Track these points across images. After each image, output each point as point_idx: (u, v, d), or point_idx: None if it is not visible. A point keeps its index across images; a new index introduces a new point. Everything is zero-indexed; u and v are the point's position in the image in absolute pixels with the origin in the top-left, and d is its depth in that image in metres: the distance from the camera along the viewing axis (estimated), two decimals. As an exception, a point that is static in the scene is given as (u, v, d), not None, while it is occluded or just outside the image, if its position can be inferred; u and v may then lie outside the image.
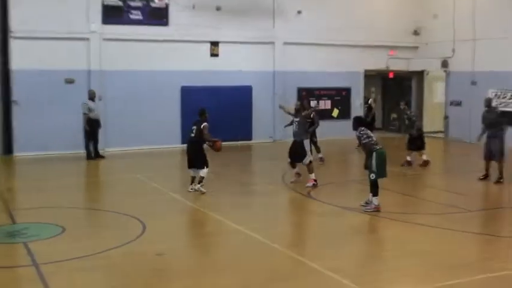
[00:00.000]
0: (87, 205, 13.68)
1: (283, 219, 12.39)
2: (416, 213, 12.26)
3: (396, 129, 26.41)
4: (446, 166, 20.17)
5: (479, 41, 23.72)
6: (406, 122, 18.32)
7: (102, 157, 19.48)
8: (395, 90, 27.42)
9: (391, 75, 26.70)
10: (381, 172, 11.94)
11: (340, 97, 24.97)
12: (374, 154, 11.89)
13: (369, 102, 23.34)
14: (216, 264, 9.24)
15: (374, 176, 11.91)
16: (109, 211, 12.48)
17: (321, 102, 24.53)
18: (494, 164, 15.33)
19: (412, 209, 12.84)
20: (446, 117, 25.52)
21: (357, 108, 24.28)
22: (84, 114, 18.99)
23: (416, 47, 26.59)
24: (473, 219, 11.93)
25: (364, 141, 12.08)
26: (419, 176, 16.96)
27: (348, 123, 23.22)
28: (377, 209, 11.98)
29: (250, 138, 23.29)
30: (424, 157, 17.56)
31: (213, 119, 22.15)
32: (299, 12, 23.83)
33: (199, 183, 13.72)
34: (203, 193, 13.62)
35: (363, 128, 12.24)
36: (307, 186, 14.45)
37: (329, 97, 24.76)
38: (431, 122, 26.25)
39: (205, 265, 9.16)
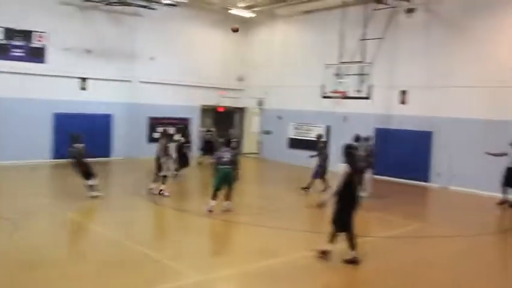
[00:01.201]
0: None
1: (134, 220, 12.16)
2: (238, 214, 12.69)
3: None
4: (258, 178, 20.96)
5: (284, 88, 25.05)
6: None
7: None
8: (225, 121, 28.06)
9: (221, 110, 27.32)
10: (218, 184, 12.39)
11: (183, 125, 25.02)
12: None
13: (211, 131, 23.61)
14: (74, 256, 9.00)
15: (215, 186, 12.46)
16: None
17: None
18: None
19: (235, 211, 13.38)
20: (259, 142, 26.58)
21: (195, 134, 24.52)
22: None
23: (241, 89, 27.50)
24: (275, 219, 12.34)
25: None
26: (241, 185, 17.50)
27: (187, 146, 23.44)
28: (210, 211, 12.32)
29: (108, 155, 22.84)
30: None
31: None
32: (152, 58, 23.83)
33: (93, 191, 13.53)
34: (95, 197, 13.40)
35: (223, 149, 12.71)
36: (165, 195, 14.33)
37: (173, 125, 24.84)
38: (249, 145, 27.26)
39: (66, 258, 8.91)
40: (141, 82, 23.60)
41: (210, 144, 21.96)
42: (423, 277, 8.65)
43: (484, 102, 17.99)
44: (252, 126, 27.00)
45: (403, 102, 20.34)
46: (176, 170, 17.57)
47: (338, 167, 8.62)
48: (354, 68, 18.76)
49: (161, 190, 14.54)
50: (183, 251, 9.39)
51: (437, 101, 19.25)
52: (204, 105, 25.98)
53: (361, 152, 15.01)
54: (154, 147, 23.40)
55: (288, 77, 24.77)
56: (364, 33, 18.92)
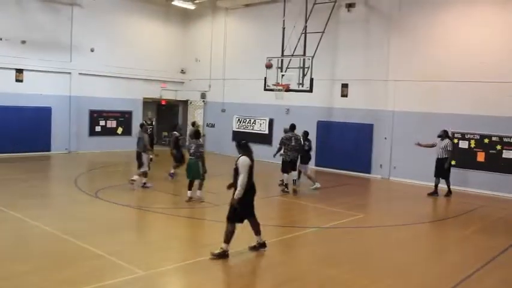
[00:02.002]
0: None
1: (71, 214, 11.76)
2: (179, 208, 12.68)
3: (166, 143, 26.75)
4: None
5: (227, 80, 25.01)
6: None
7: None
8: (167, 114, 27.78)
9: (163, 103, 26.97)
10: (187, 174, 13.26)
11: (124, 118, 24.67)
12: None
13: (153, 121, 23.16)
14: (13, 253, 8.60)
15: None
16: None
17: (109, 122, 24.06)
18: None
19: (178, 205, 13.27)
20: (203, 135, 26.37)
21: (136, 127, 24.00)
22: None
23: (183, 82, 27.23)
24: (218, 212, 12.40)
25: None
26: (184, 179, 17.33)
27: (129, 139, 23.10)
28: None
29: (49, 150, 22.08)
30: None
31: (16, 134, 20.83)
32: (92, 50, 23.19)
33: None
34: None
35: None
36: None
37: (115, 118, 24.36)
38: (193, 138, 27.04)
39: (2, 254, 8.55)
40: (81, 74, 22.94)
41: (149, 138, 21.11)
42: (362, 265, 8.81)
43: (420, 95, 18.52)
44: (196, 119, 26.81)
45: (344, 95, 20.66)
46: (175, 167, 16.88)
47: (239, 160, 8.67)
48: (296, 62, 18.89)
49: (145, 183, 14.82)
50: (125, 246, 9.18)
51: (377, 94, 19.67)
52: (146, 98, 25.56)
53: (293, 143, 15.36)
54: (95, 141, 23.20)
55: (231, 69, 24.72)
56: (305, 27, 19.08)
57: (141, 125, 16.02)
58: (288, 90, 18.86)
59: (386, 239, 10.88)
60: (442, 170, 15.73)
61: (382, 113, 19.53)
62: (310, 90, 18.44)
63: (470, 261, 9.41)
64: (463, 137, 17.40)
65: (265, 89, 19.52)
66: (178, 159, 16.73)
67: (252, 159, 8.76)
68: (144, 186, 14.82)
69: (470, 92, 17.33)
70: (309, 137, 17.02)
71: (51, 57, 21.94)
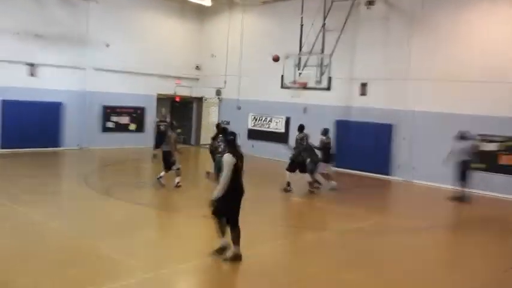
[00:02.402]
0: None
1: (81, 212, 11.76)
2: (197, 207, 12.57)
3: (181, 141, 26.72)
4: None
5: (243, 77, 24.92)
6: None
7: None
8: (181, 111, 27.76)
9: (177, 99, 26.96)
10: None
11: (137, 114, 24.66)
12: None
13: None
14: (18, 251, 8.51)
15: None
16: None
17: (121, 118, 24.05)
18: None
19: (194, 205, 13.18)
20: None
21: (150, 123, 24.05)
22: None
23: (198, 79, 27.19)
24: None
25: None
26: (197, 178, 17.33)
27: (142, 136, 23.02)
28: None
29: (60, 146, 22.14)
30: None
31: (27, 129, 20.95)
32: (107, 45, 23.21)
33: None
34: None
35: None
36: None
37: (128, 114, 24.38)
38: (207, 136, 26.99)
39: (12, 252, 8.47)
40: (96, 69, 22.97)
41: (163, 136, 20.93)
42: (379, 270, 8.65)
43: (442, 95, 18.25)
44: (210, 116, 26.76)
45: (363, 94, 20.47)
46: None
47: (223, 157, 8.35)
48: (314, 60, 18.73)
49: (178, 182, 14.62)
50: (137, 246, 9.12)
51: (397, 93, 19.43)
52: (160, 95, 25.55)
53: (305, 143, 15.31)
54: (107, 137, 23.24)
55: (248, 66, 24.61)
56: (324, 24, 18.90)
57: (171, 124, 16.11)
58: (305, 88, 18.74)
59: (405, 243, 10.69)
60: (462, 173, 15.45)
61: (401, 113, 19.29)
62: (329, 89, 18.29)
63: (490, 268, 9.20)
64: (485, 139, 17.10)
65: (282, 87, 19.41)
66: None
67: (237, 157, 8.34)
68: (177, 185, 14.53)
69: (494, 92, 17.03)
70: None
71: (66, 52, 21.99)
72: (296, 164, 15.41)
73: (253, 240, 9.26)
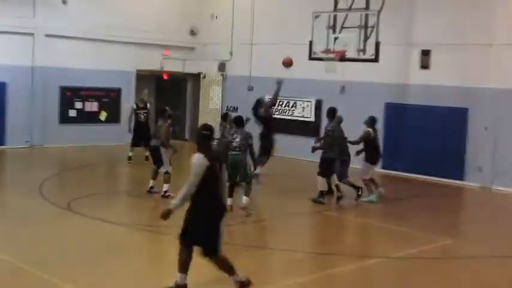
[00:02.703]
0: None
1: (34, 235, 11.78)
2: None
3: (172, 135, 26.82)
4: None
5: (257, 46, 24.89)
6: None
7: None
8: (171, 93, 27.78)
9: (165, 77, 27.00)
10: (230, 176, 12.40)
11: (109, 99, 24.81)
12: None
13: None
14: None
15: None
16: None
17: (88, 105, 24.22)
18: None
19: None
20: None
21: (127, 110, 24.07)
22: None
23: (193, 48, 27.23)
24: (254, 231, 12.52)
25: None
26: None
27: (118, 128, 23.14)
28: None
29: (3, 143, 22.37)
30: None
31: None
32: (64, 2, 23.33)
33: None
34: None
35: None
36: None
37: (96, 98, 24.49)
38: (207, 128, 27.05)
39: None
40: (49, 36, 23.12)
41: (144, 129, 20.58)
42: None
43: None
44: (211, 100, 26.81)
45: (425, 66, 20.40)
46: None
47: (192, 158, 8.38)
48: (355, 19, 18.68)
49: (166, 191, 14.85)
50: (105, 277, 9.27)
51: (474, 65, 19.34)
52: (141, 71, 25.67)
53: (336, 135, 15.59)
54: (68, 131, 23.40)
55: (262, 30, 24.57)
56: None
57: (163, 111, 16.11)
58: (343, 59, 18.71)
59: (484, 276, 10.65)
60: None
61: (481, 93, 19.21)
62: (376, 60, 18.26)
63: None
64: None
65: (311, 58, 19.37)
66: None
67: (214, 159, 8.38)
68: (165, 195, 14.74)
69: None
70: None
71: (7, 12, 22.10)
72: (330, 164, 15.48)
73: (272, 274, 9.33)
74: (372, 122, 16.28)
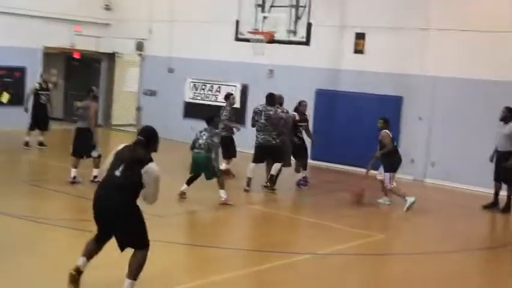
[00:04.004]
0: None
1: None
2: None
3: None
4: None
5: (178, 23, 24.77)
6: None
7: None
8: (83, 74, 27.44)
9: (77, 56, 26.60)
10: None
11: (12, 79, 24.42)
12: None
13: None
14: None
15: None
16: None
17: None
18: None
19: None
20: (139, 109, 26.24)
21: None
22: None
23: (108, 24, 26.90)
24: (163, 227, 12.38)
25: None
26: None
27: (22, 111, 22.76)
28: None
29: None
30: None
31: None
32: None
33: None
34: None
35: None
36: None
37: (-1, 78, 24.10)
38: (122, 113, 26.86)
39: None
40: None
41: (43, 112, 20.54)
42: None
43: (479, 53, 18.61)
44: (128, 82, 26.62)
45: (359, 51, 20.64)
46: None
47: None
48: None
49: (96, 177, 15.02)
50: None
51: (410, 50, 19.67)
52: (48, 48, 25.29)
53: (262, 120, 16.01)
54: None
55: (185, 7, 24.48)
56: None
57: (89, 91, 16.17)
58: (272, 41, 18.78)
59: (418, 273, 10.86)
60: (504, 170, 15.83)
61: (416, 80, 19.57)
62: (307, 43, 18.39)
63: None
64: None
65: (237, 39, 19.40)
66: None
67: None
68: (94, 181, 14.86)
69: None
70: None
71: None
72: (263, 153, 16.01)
73: (200, 270, 9.31)
74: (384, 123, 15.88)
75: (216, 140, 14.56)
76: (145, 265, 8.16)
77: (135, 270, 8.13)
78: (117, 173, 8.05)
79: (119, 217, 8.09)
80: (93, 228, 8.44)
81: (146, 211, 8.30)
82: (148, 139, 8.34)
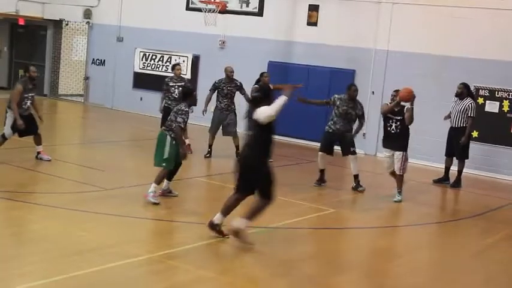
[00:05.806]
0: None
1: None
2: (43, 193, 12.49)
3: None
4: (83, 136, 20.65)
5: (128, -9, 24.62)
6: None
7: None
8: (28, 42, 27.10)
9: (21, 22, 26.22)
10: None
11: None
12: None
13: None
14: None
15: None
16: None
17: None
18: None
19: (39, 188, 13.06)
20: (86, 78, 26.01)
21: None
22: None
23: (55, -10, 26.63)
24: (109, 199, 12.28)
25: None
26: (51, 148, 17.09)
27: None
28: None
29: None
30: None
31: None
32: None
33: None
34: None
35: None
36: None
37: None
38: (69, 83, 26.62)
39: None
40: None
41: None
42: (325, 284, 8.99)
43: (433, 28, 18.87)
44: (75, 51, 26.35)
45: (312, 23, 20.70)
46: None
47: None
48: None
49: (39, 152, 14.98)
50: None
51: (364, 23, 19.84)
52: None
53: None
54: None
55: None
56: None
57: (26, 67, 16.37)
58: (224, 11, 18.73)
59: (368, 246, 11.13)
60: (456, 146, 16.09)
61: (369, 54, 19.75)
62: (260, 13, 18.37)
63: (494, 283, 9.77)
64: (492, 95, 17.82)
65: (188, 9, 19.31)
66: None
67: None
68: (38, 157, 14.96)
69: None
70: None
71: None
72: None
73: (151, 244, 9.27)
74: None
75: (179, 118, 12.19)
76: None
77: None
78: None
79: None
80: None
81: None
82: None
